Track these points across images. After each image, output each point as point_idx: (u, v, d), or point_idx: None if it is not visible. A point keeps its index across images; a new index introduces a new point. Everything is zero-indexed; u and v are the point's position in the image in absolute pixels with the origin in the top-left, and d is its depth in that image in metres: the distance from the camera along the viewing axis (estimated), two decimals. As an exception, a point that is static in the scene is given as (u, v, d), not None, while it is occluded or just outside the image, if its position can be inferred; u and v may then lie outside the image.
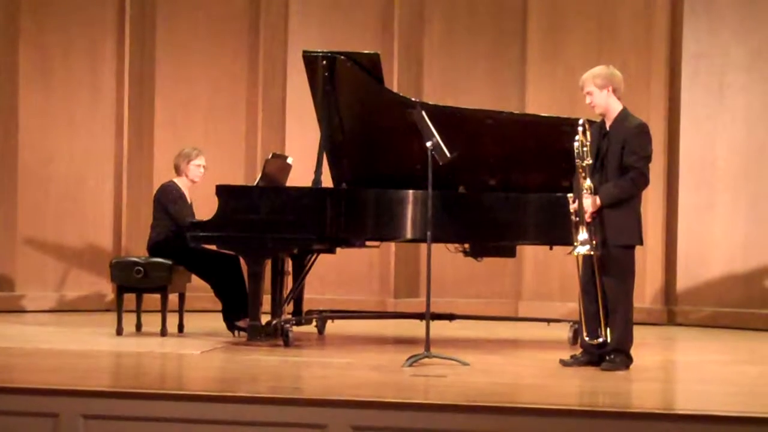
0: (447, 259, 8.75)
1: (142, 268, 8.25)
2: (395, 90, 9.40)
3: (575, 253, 6.92)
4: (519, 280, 10.51)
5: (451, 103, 8.56)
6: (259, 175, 8.47)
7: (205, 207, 8.35)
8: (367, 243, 8.55)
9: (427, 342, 7.00)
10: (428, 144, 7.12)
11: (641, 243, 7.01)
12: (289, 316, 8.58)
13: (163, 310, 8.28)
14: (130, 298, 8.41)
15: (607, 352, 6.92)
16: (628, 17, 10.33)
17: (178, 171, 8.64)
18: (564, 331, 8.30)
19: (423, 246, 8.93)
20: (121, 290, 8.37)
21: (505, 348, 8.34)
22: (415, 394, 5.92)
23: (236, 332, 8.28)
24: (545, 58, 10.47)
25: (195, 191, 8.79)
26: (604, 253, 6.87)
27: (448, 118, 7.85)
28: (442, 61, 10.75)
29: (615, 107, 7.00)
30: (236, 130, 10.82)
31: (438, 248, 7.88)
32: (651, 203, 9.91)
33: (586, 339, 6.97)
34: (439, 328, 8.23)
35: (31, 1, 10.38)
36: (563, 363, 7.07)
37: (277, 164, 8.60)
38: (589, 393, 6.32)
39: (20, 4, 10.32)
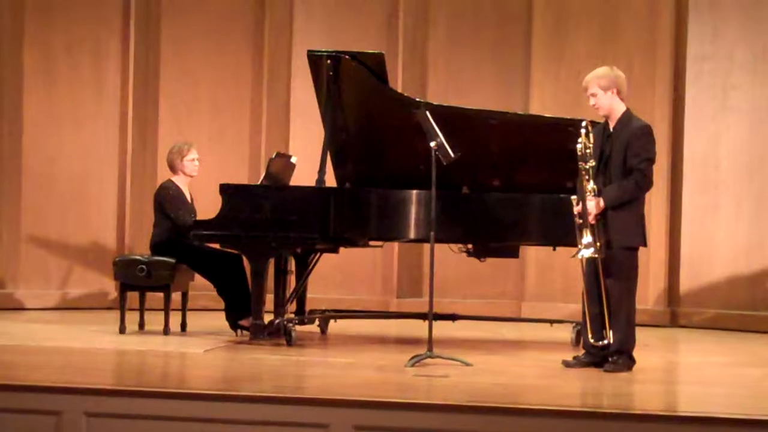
0: (450, 259, 8.74)
1: (145, 267, 8.26)
2: (400, 90, 9.40)
3: (579, 257, 6.92)
4: (522, 280, 10.51)
5: (456, 104, 8.57)
6: (263, 174, 8.48)
7: (208, 205, 8.35)
8: (371, 243, 8.54)
9: (430, 342, 7.00)
10: (432, 144, 7.12)
11: (645, 245, 7.01)
12: (292, 316, 8.58)
13: (166, 309, 8.28)
14: (133, 297, 8.42)
15: (609, 354, 6.92)
16: (633, 19, 10.33)
17: (173, 169, 8.63)
18: (567, 332, 8.30)
19: (426, 246, 8.93)
20: (124, 288, 8.38)
21: (508, 349, 8.34)
22: (418, 394, 5.92)
23: (239, 331, 8.28)
24: (550, 58, 10.47)
25: (199, 191, 8.80)
26: (608, 254, 6.86)
27: (452, 118, 7.85)
28: (447, 62, 10.75)
29: (618, 109, 6.99)
30: (240, 129, 10.83)
31: (441, 248, 7.88)
32: (654, 205, 9.91)
33: (591, 341, 6.97)
34: (441, 328, 8.22)
35: (36, 1, 10.38)
36: (566, 364, 7.06)
37: (281, 163, 8.61)
38: (592, 394, 6.32)
39: (25, 3, 10.33)
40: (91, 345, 7.72)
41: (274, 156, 8.63)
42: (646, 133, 6.95)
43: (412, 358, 6.94)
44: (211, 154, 9.80)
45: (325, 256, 8.76)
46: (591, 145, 6.93)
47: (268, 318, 8.09)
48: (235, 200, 7.95)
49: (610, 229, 6.88)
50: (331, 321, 8.91)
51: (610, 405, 5.84)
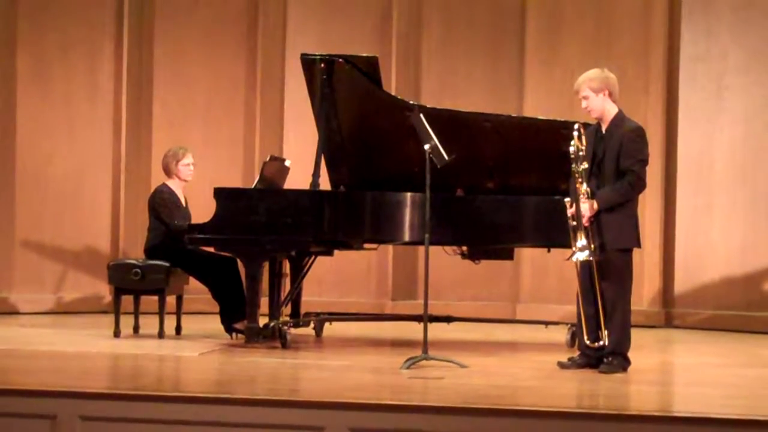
0: (445, 261, 8.75)
1: (139, 270, 8.26)
2: (393, 93, 9.40)
3: (574, 259, 6.92)
4: (517, 282, 10.51)
5: (449, 106, 8.56)
6: (257, 178, 8.48)
7: (203, 209, 8.35)
8: (365, 245, 8.54)
9: (425, 344, 7.00)
10: (426, 147, 7.12)
11: (639, 246, 7.02)
12: (287, 318, 8.58)
13: (161, 312, 8.28)
14: (127, 300, 8.41)
15: (604, 355, 6.93)
16: (626, 20, 10.34)
17: (168, 173, 8.63)
18: (562, 334, 8.31)
19: (421, 248, 8.93)
20: (118, 292, 8.38)
21: (503, 350, 8.34)
22: (413, 396, 5.92)
23: (234, 334, 8.28)
24: (543, 60, 10.48)
25: (193, 194, 8.79)
26: (603, 256, 6.87)
27: (446, 120, 7.85)
28: (440, 64, 10.75)
29: (611, 110, 7.00)
30: (234, 132, 10.82)
31: (436, 251, 7.88)
32: (649, 206, 9.92)
33: (587, 342, 6.97)
34: (436, 330, 8.23)
35: (30, 4, 10.37)
36: (561, 365, 7.07)
37: (275, 167, 8.60)
38: (587, 395, 6.32)
39: (18, 6, 10.32)
40: (85, 349, 7.71)
41: (268, 159, 8.63)
42: (638, 135, 6.96)
43: (408, 360, 6.94)
44: (205, 157, 9.78)
45: (320, 258, 8.76)
46: (584, 148, 6.94)
47: (262, 321, 8.09)
48: (229, 204, 7.95)
49: (604, 231, 6.88)
50: (326, 324, 8.91)
51: (605, 406, 5.85)
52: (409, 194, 7.85)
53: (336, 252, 8.69)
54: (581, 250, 6.86)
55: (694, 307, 10.14)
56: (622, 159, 6.87)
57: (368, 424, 5.40)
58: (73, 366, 6.88)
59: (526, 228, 7.98)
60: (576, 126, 6.99)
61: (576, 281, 7.08)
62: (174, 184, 8.61)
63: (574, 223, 6.92)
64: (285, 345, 7.84)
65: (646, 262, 9.91)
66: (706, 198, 10.13)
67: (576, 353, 7.18)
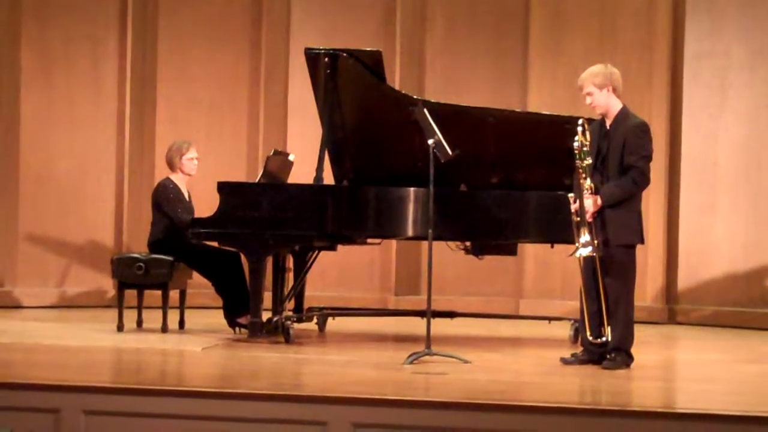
0: (448, 256, 8.74)
1: (143, 265, 8.26)
2: (397, 87, 9.39)
3: (577, 255, 6.92)
4: (520, 278, 10.52)
5: (453, 101, 8.56)
6: (260, 172, 8.48)
7: (206, 203, 8.36)
8: (368, 240, 8.55)
9: (428, 339, 7.01)
10: (430, 142, 7.12)
11: (642, 242, 7.02)
12: (290, 313, 8.57)
13: (164, 307, 8.28)
14: (131, 295, 8.41)
15: (608, 351, 6.93)
16: (630, 16, 10.33)
17: (171, 167, 8.63)
18: (565, 330, 8.31)
19: (424, 244, 8.93)
20: (122, 287, 8.38)
21: (506, 346, 8.34)
22: (416, 392, 5.93)
23: (237, 329, 8.28)
24: (547, 56, 10.48)
25: (196, 189, 8.79)
26: (606, 252, 6.87)
27: (449, 115, 7.85)
28: (444, 59, 10.75)
29: (615, 106, 6.99)
30: (238, 127, 10.83)
31: (439, 246, 7.88)
32: (652, 202, 9.91)
33: (590, 338, 6.97)
34: (439, 325, 8.22)
35: (33, 0, 10.37)
36: (564, 361, 7.07)
37: (279, 161, 8.61)
38: (590, 391, 6.32)
39: (22, 2, 10.32)
40: (89, 343, 7.72)
41: (271, 154, 8.64)
42: (643, 131, 6.95)
43: (411, 355, 6.94)
44: (209, 152, 9.79)
45: (323, 253, 8.75)
46: (588, 143, 6.93)
47: (266, 316, 8.09)
48: (232, 198, 7.95)
49: (608, 227, 6.88)
50: (329, 318, 8.91)
51: (608, 402, 5.85)
52: (412, 189, 7.85)
53: (339, 247, 8.69)
54: (584, 246, 6.86)
55: (697, 303, 10.15)
56: (626, 155, 6.86)
57: (371, 419, 5.40)
58: (77, 360, 6.89)
59: (530, 223, 7.99)
60: (580, 121, 6.99)
61: (579, 277, 7.08)
62: (178, 179, 8.61)
63: (578, 218, 6.92)
64: (288, 340, 7.85)
65: (649, 259, 9.92)
66: (710, 195, 10.13)
67: (579, 349, 7.17)
